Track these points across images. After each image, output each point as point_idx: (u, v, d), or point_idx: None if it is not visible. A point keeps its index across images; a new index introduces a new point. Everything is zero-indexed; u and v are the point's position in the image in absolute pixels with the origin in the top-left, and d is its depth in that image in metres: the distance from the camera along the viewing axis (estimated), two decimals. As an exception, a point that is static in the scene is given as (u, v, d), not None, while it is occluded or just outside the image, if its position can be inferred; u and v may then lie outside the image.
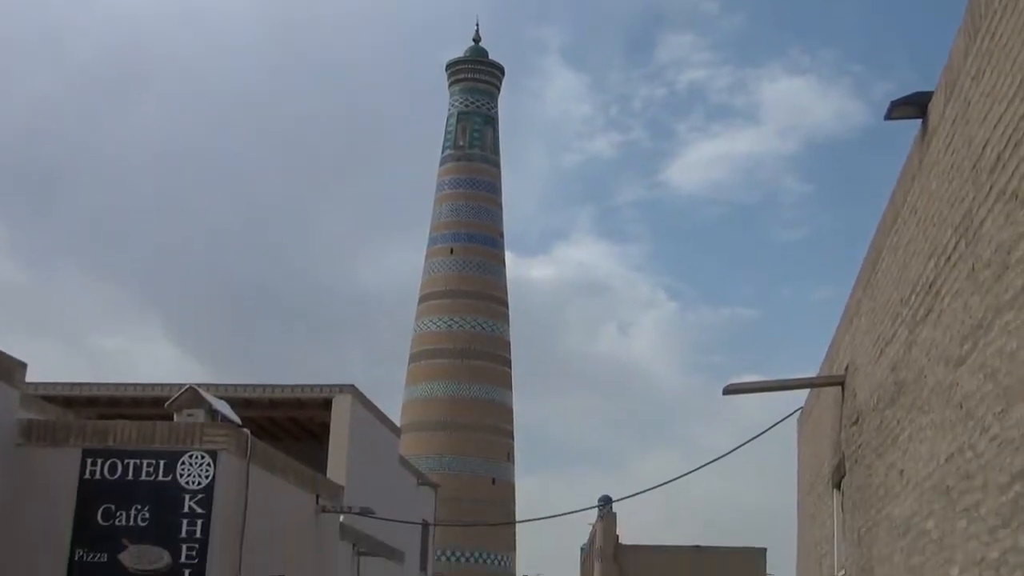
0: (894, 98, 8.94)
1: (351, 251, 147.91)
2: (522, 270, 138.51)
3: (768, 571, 52.53)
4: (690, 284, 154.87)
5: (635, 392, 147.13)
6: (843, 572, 12.62)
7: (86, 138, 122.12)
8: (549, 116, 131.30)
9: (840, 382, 12.60)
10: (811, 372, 15.45)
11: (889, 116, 8.95)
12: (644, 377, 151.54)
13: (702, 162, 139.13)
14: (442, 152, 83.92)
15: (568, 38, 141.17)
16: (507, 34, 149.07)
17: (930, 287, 8.33)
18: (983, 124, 6.96)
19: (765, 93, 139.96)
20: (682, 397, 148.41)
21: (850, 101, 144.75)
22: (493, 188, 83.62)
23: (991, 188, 6.79)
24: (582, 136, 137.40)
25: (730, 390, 13.53)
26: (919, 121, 8.89)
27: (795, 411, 17.35)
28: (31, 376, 16.23)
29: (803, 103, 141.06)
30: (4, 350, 15.05)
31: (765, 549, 53.05)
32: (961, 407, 7.42)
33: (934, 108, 8.42)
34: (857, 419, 11.50)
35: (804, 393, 16.70)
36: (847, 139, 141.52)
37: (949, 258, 7.77)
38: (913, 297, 8.90)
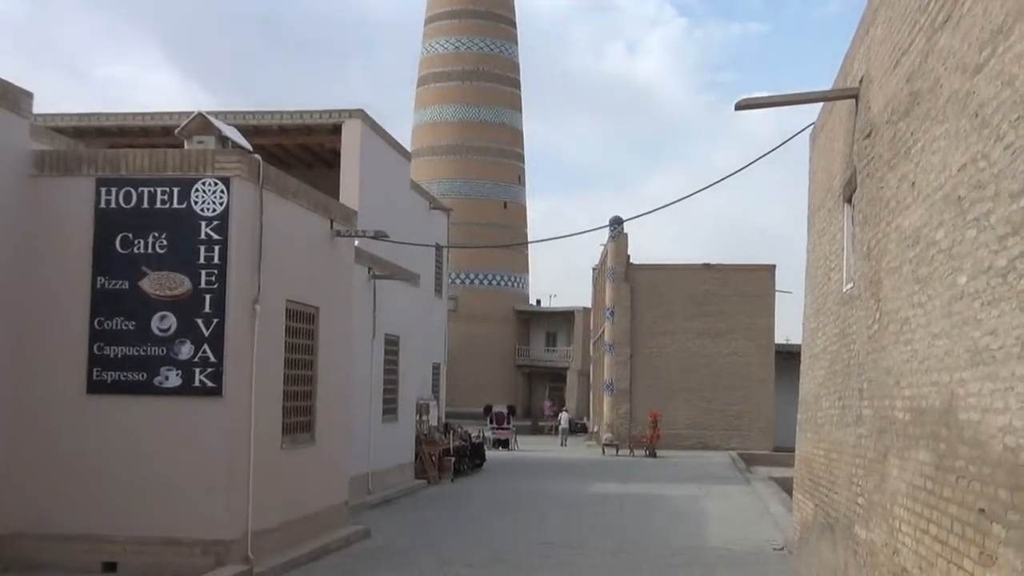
0: None
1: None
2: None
3: (777, 287, 53.65)
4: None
5: (644, 112, 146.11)
6: (851, 285, 12.84)
7: None
8: None
9: (854, 95, 12.47)
10: (824, 88, 15.26)
11: None
12: (653, 97, 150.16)
13: None
14: None
15: None
16: None
17: (950, -8, 8.12)
18: None
19: None
20: (692, 116, 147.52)
21: None
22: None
23: None
24: None
25: (742, 105, 13.41)
26: None
27: (807, 127, 17.27)
28: (38, 108, 16.14)
29: None
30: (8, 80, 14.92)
31: (774, 266, 54.03)
32: (976, 116, 7.36)
33: None
34: (870, 132, 11.44)
35: (816, 109, 16.58)
36: None
37: (971, -39, 7.54)
38: (932, 3, 8.68)
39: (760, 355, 52.75)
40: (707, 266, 54.04)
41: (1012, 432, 6.38)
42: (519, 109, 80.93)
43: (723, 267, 54.10)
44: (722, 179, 16.06)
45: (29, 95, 15.32)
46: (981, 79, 7.26)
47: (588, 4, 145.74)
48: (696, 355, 52.80)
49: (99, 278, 15.30)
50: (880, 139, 10.87)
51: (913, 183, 9.27)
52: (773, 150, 14.71)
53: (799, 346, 19.82)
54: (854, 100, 12.50)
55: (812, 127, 17.22)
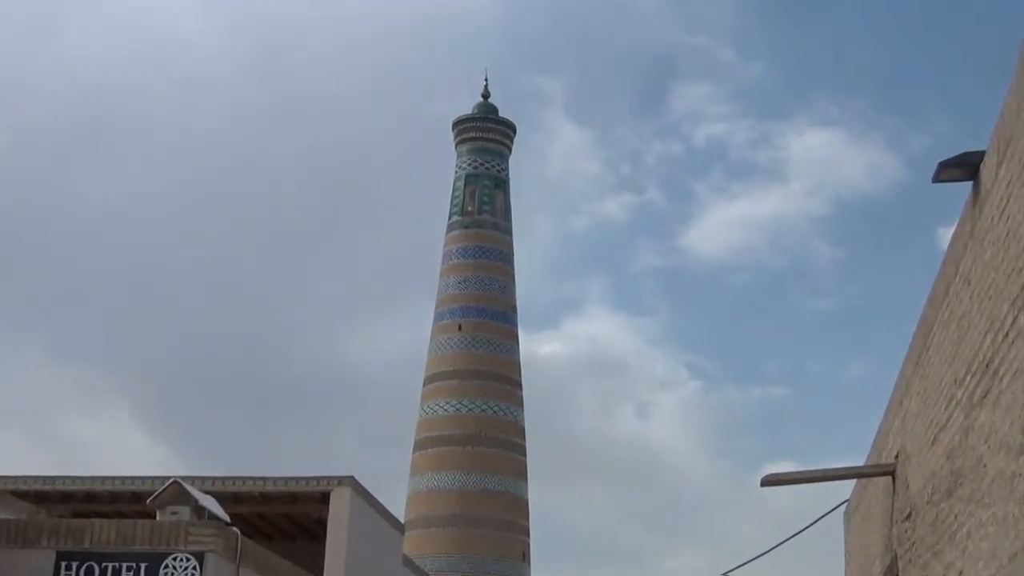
0: (936, 156, 9.04)
1: (343, 327, 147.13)
2: (530, 346, 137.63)
3: None
4: (713, 360, 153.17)
5: (658, 480, 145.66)
6: None
7: (45, 203, 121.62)
8: (554, 176, 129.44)
9: (890, 471, 12.51)
10: (850, 456, 15.36)
11: (937, 179, 8.99)
12: (666, 464, 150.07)
13: (723, 225, 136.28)
14: (448, 218, 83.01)
15: (571, 89, 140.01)
16: (505, 86, 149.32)
17: (987, 366, 8.29)
18: (1041, 188, 6.98)
19: (791, 148, 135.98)
20: (709, 486, 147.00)
21: (884, 156, 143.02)
22: (504, 257, 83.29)
23: (1052, 258, 6.79)
24: (591, 197, 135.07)
25: (769, 482, 13.43)
26: (968, 183, 8.92)
27: (841, 503, 17.20)
28: (0, 470, 16.24)
29: (832, 158, 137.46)
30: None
31: (810, 656, 52.45)
32: (1025, 500, 7.36)
33: (986, 170, 8.44)
34: (910, 513, 11.40)
35: (849, 482, 16.58)
36: (881, 198, 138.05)
37: (1007, 334, 7.75)
38: (968, 377, 8.85)
39: None
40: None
41: None
42: (524, 477, 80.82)
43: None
44: (748, 561, 15.87)
45: (-9, 459, 15.44)
46: (1027, 460, 7.31)
47: (594, 365, 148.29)
48: None
49: (49, 665, 14.88)
50: (921, 521, 10.82)
51: (960, 572, 9.15)
52: (804, 529, 14.61)
53: None
54: (891, 477, 12.53)
55: (846, 503, 17.17)
